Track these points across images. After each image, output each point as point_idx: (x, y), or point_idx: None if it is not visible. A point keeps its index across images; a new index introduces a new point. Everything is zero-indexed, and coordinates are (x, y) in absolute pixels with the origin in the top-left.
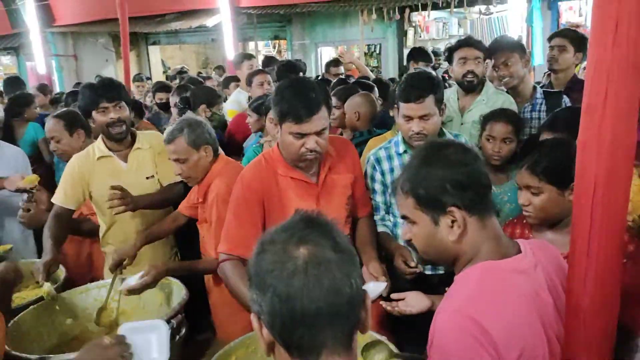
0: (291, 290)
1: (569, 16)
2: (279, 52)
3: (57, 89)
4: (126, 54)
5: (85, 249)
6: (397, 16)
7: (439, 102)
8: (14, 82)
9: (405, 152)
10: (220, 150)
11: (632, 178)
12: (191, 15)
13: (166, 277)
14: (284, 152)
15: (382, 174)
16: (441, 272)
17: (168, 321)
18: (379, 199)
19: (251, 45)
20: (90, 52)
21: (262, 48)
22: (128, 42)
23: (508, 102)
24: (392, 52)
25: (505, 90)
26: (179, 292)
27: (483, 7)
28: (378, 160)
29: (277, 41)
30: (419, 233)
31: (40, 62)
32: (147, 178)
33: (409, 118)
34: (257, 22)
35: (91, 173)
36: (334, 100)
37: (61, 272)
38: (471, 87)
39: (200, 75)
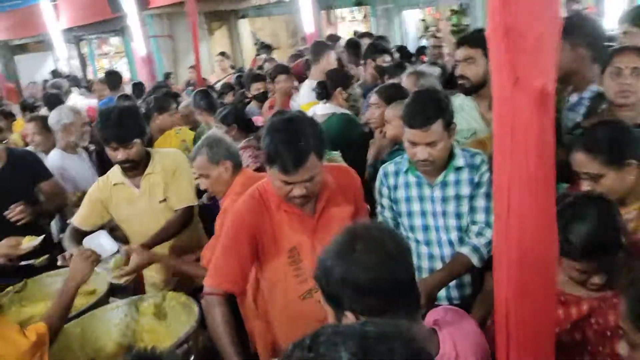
0: None
1: None
2: (365, 17)
3: (157, 68)
4: (195, 35)
5: None
6: None
7: (448, 124)
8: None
9: (407, 171)
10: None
11: None
12: None
13: (186, 297)
14: (277, 193)
15: (389, 189)
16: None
17: (175, 350)
18: (387, 214)
19: (337, 13)
20: (184, 31)
21: (347, 14)
22: (197, 27)
23: None
24: (480, 10)
25: None
26: (195, 311)
27: None
28: (386, 175)
29: (362, 7)
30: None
31: (140, 44)
32: (160, 202)
33: (414, 144)
34: None
35: (109, 198)
36: (374, 99)
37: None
38: (464, 91)
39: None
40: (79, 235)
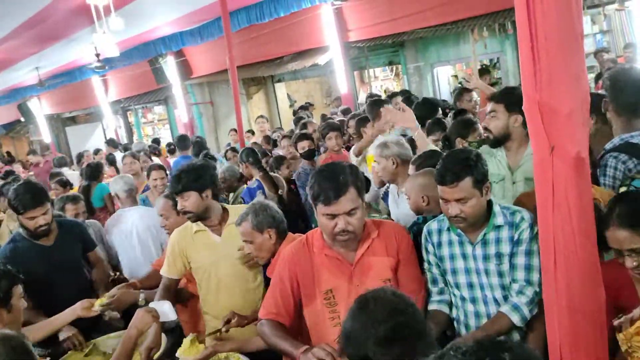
0: None
1: None
2: (397, 74)
3: (198, 133)
4: (237, 100)
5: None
6: (510, 30)
7: (479, 182)
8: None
9: (449, 228)
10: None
11: None
12: (305, 55)
13: (239, 356)
14: (323, 232)
15: (433, 246)
16: None
17: None
18: (434, 270)
19: (370, 72)
20: (224, 97)
21: (379, 73)
22: (238, 92)
23: None
24: (512, 66)
25: None
26: None
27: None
28: (430, 233)
29: (393, 66)
30: None
31: (183, 111)
32: (238, 250)
33: (446, 200)
34: (369, 50)
35: (189, 246)
36: (410, 169)
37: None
38: (490, 144)
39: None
40: (169, 293)
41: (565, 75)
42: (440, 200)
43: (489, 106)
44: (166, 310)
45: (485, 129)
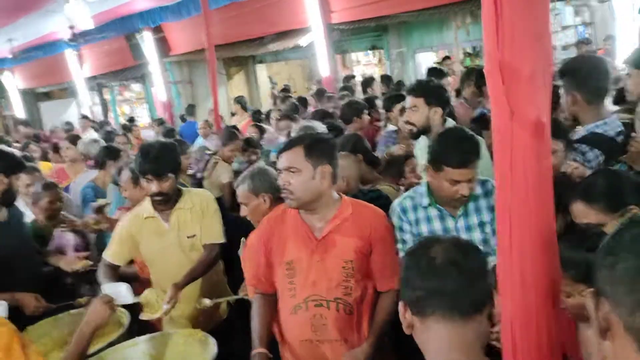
0: None
1: None
2: (380, 60)
3: (176, 112)
4: (214, 81)
5: None
6: None
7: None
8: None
9: (429, 205)
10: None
11: None
12: (287, 36)
13: (203, 334)
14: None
15: (410, 224)
16: None
17: None
18: None
19: (352, 57)
20: (204, 77)
21: (362, 58)
22: (215, 71)
23: None
24: None
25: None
26: (212, 348)
27: None
28: (404, 211)
29: (376, 50)
30: None
31: (161, 90)
32: (188, 237)
33: (457, 182)
34: (352, 33)
35: (140, 232)
36: None
37: (124, 315)
38: (412, 136)
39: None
40: (113, 271)
41: (528, 32)
42: (445, 183)
43: (408, 101)
44: (123, 292)
45: (408, 122)
